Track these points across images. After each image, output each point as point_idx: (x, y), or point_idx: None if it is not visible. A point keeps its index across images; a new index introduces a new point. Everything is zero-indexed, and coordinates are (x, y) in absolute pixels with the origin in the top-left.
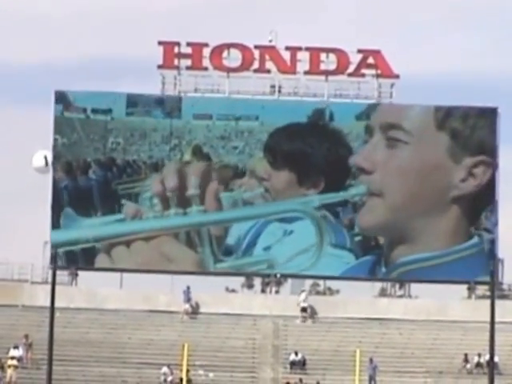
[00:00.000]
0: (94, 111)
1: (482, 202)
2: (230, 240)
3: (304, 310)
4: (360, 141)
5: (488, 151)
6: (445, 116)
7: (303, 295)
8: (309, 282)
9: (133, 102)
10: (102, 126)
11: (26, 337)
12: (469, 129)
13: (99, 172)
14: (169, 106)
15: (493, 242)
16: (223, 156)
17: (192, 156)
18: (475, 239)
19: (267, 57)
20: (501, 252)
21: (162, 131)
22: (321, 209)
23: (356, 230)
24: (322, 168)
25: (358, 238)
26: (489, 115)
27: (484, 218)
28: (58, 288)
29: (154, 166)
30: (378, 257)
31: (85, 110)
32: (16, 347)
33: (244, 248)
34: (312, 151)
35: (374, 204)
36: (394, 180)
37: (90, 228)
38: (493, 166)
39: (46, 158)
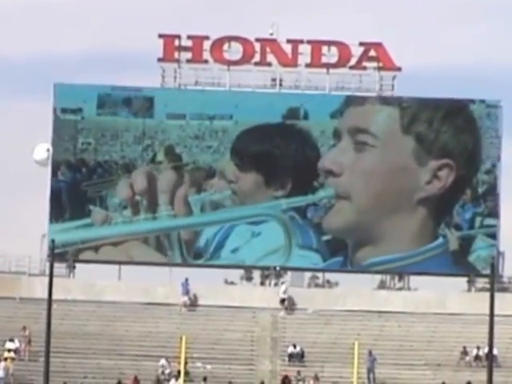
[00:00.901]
0: (64, 111)
1: (446, 203)
2: (200, 243)
3: (283, 301)
4: (330, 141)
5: (452, 154)
6: (410, 120)
7: (283, 287)
8: (303, 275)
9: (104, 100)
10: (72, 126)
11: (24, 329)
12: (434, 133)
13: (68, 174)
14: (140, 105)
15: (465, 239)
16: (197, 155)
17: (164, 157)
18: (440, 239)
19: (268, 50)
20: (502, 245)
21: (135, 131)
22: (289, 210)
23: (323, 232)
24: (290, 169)
25: (325, 240)
26: (492, 108)
27: (456, 214)
28: (55, 280)
29: (125, 167)
30: (345, 258)
31: (54, 110)
32: (11, 340)
33: (212, 251)
34: (279, 152)
35: (342, 206)
36: (360, 183)
37: (59, 233)
38: (456, 168)
39: (48, 150)
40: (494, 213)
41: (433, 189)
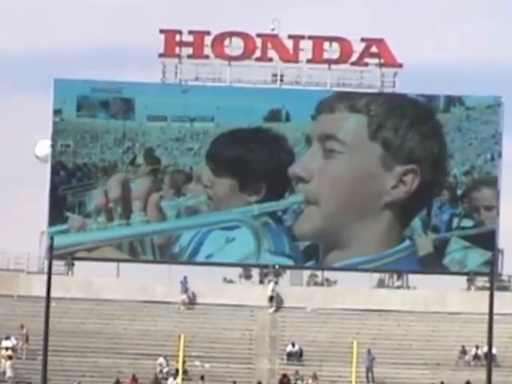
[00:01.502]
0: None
1: (412, 207)
2: (175, 248)
3: (272, 299)
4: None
5: (418, 160)
6: (377, 127)
7: (271, 285)
8: (302, 273)
9: (83, 102)
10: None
11: (22, 327)
12: (400, 139)
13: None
14: (120, 106)
15: (441, 241)
16: (178, 158)
17: (143, 159)
18: (407, 242)
19: (269, 45)
20: (501, 243)
21: (115, 133)
22: (263, 215)
23: (295, 237)
24: (263, 174)
25: (297, 245)
26: (493, 105)
27: (434, 215)
28: (53, 278)
29: (105, 170)
30: (316, 263)
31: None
32: (8, 338)
33: (187, 256)
34: (253, 157)
35: (311, 212)
36: (329, 188)
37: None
38: (421, 173)
39: (50, 147)
40: (470, 214)
41: (398, 193)
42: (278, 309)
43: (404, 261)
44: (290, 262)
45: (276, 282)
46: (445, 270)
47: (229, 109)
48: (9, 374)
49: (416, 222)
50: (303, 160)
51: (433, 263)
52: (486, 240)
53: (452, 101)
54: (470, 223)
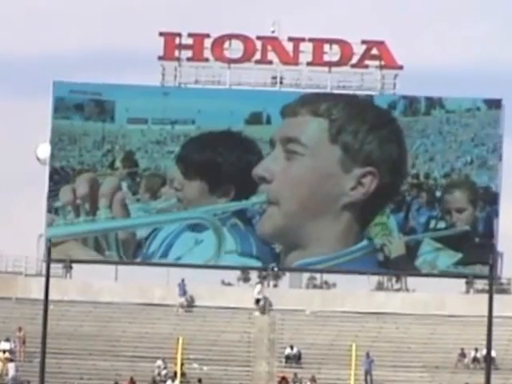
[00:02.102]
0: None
1: (371, 208)
2: (150, 249)
3: (258, 301)
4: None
5: (376, 163)
6: (338, 131)
7: (258, 287)
8: (301, 276)
9: (61, 104)
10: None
11: (19, 329)
12: (359, 143)
13: None
14: (100, 109)
15: (413, 243)
16: (158, 161)
17: (120, 163)
18: (364, 242)
19: (269, 48)
20: (501, 246)
21: (94, 136)
22: (231, 217)
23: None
24: (233, 177)
25: (264, 246)
26: (495, 107)
27: (411, 218)
28: (52, 280)
29: (82, 173)
30: (280, 262)
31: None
32: (7, 340)
33: (158, 257)
34: (222, 160)
35: (272, 212)
36: (289, 189)
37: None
38: (379, 176)
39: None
40: (444, 217)
41: (357, 194)
42: (264, 312)
43: (360, 260)
44: (258, 264)
45: (263, 284)
46: (415, 272)
47: (210, 111)
48: (11, 374)
49: (392, 224)
50: (266, 161)
51: (404, 264)
52: (457, 242)
53: (433, 104)
54: (443, 225)
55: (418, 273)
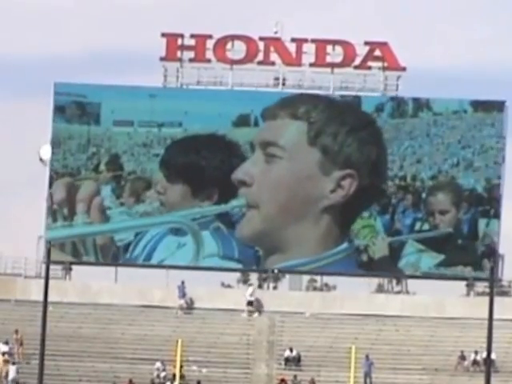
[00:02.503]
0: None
1: (351, 210)
2: (134, 253)
3: (250, 303)
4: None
5: (355, 165)
6: (317, 134)
7: (250, 289)
8: (301, 278)
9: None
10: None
11: (17, 332)
12: (338, 145)
13: None
14: (85, 111)
15: (396, 244)
16: (145, 164)
17: (105, 166)
18: (345, 244)
19: (272, 49)
20: (502, 248)
21: (79, 139)
22: (215, 220)
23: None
24: (216, 180)
25: (246, 249)
26: (497, 108)
27: (397, 220)
28: (51, 282)
29: (66, 177)
30: (261, 265)
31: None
32: (6, 342)
33: (142, 261)
34: (206, 164)
35: (252, 215)
36: (269, 192)
37: None
38: (359, 178)
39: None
40: (428, 219)
41: (336, 197)
42: (252, 313)
43: (341, 263)
44: (240, 267)
45: (254, 286)
46: (398, 273)
47: (197, 114)
48: (12, 376)
49: (379, 226)
50: (246, 165)
51: (387, 266)
52: (440, 243)
53: (420, 106)
54: (427, 227)
55: (400, 274)
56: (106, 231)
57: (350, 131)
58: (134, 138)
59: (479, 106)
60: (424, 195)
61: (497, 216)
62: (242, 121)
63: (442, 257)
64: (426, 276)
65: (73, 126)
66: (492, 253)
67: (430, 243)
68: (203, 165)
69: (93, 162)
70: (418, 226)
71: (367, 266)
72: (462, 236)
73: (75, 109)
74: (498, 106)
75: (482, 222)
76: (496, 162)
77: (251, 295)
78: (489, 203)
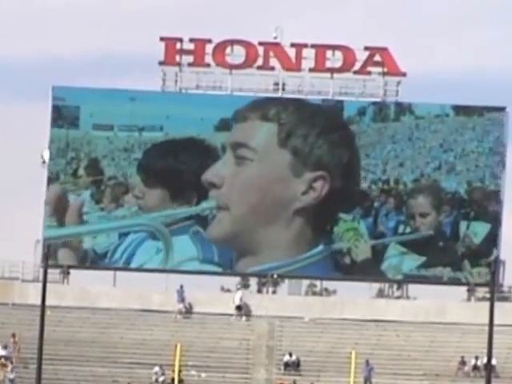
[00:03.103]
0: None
1: (323, 212)
2: (113, 258)
3: (239, 308)
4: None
5: (327, 167)
6: (287, 135)
7: (239, 294)
8: (301, 283)
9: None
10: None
11: (13, 336)
12: (309, 147)
13: None
14: (63, 114)
15: (379, 247)
16: (125, 168)
17: (84, 170)
18: (320, 247)
19: (271, 53)
20: (503, 254)
21: (58, 143)
22: (194, 224)
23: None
24: (194, 184)
25: (225, 252)
26: (497, 114)
27: (380, 223)
28: (49, 286)
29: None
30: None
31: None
32: (5, 347)
33: (122, 265)
34: (184, 168)
35: (222, 217)
36: (239, 194)
37: None
38: (331, 180)
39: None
40: (409, 221)
41: (308, 199)
42: (240, 318)
43: (316, 266)
44: (219, 270)
45: (244, 290)
46: (380, 277)
47: (178, 118)
48: (10, 377)
49: (362, 229)
50: (216, 167)
51: (370, 268)
52: (421, 245)
53: (402, 110)
54: (409, 230)
55: (382, 278)
56: (75, 234)
57: (320, 133)
58: (115, 143)
59: (460, 110)
60: (405, 198)
61: (479, 219)
62: (224, 125)
63: (423, 259)
64: (407, 280)
65: (53, 129)
66: (472, 254)
67: (412, 246)
68: (181, 169)
69: (72, 166)
70: (401, 228)
71: (349, 269)
72: (443, 238)
73: (65, 111)
74: (498, 112)
75: (463, 225)
76: (477, 165)
77: (240, 300)
78: (469, 206)
